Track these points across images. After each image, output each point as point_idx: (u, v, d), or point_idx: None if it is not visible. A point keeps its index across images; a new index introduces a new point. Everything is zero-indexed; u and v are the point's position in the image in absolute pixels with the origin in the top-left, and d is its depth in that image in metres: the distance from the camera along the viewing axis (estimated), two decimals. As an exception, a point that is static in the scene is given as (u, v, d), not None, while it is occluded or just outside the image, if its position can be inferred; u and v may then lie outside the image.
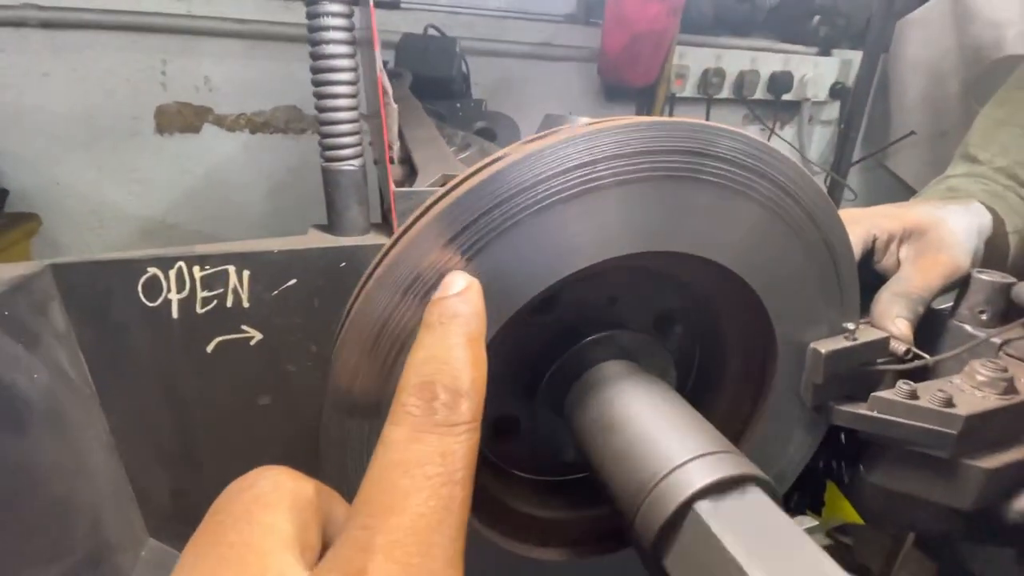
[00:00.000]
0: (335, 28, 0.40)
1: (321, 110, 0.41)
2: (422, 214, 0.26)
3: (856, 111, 1.61)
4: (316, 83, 0.40)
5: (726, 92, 1.46)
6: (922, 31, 1.63)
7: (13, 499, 0.31)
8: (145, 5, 0.98)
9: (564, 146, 0.26)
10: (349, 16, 0.40)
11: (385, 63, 0.94)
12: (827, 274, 0.31)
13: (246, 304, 0.41)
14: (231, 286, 0.40)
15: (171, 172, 1.10)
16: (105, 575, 0.39)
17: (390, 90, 0.46)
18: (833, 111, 1.70)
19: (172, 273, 0.38)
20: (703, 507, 0.21)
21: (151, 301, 0.39)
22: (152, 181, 1.09)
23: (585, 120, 0.64)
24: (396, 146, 0.52)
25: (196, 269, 0.39)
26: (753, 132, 1.63)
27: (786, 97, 1.54)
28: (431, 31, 0.98)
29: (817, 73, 1.57)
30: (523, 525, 0.34)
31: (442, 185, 0.46)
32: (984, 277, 0.39)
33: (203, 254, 0.39)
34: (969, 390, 0.33)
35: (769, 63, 1.50)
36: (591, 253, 0.26)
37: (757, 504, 0.21)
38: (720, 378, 0.36)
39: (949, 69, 1.59)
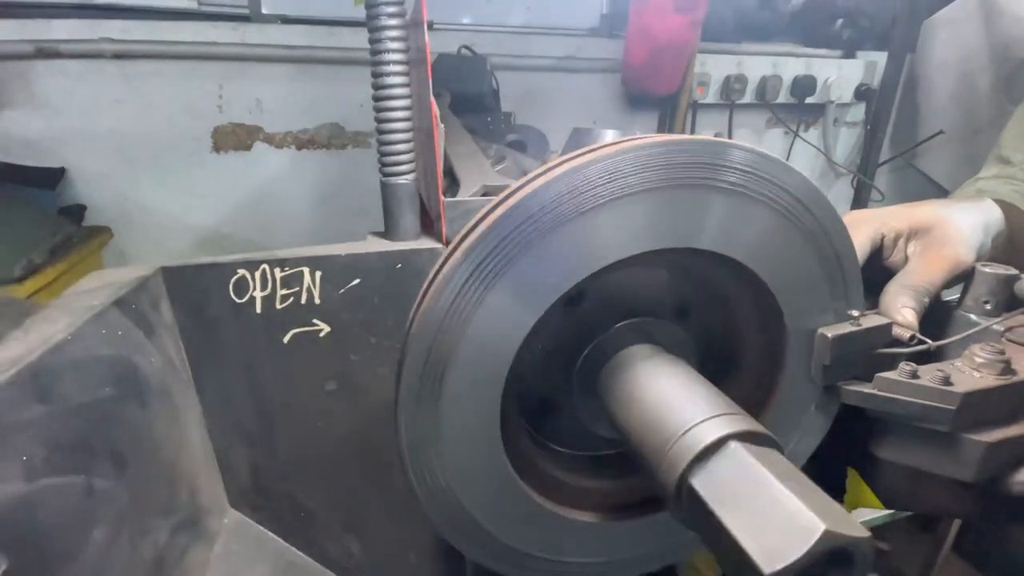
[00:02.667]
0: (394, 51, 0.45)
1: (380, 131, 0.47)
2: (479, 222, 0.31)
3: (882, 112, 1.61)
4: (377, 108, 0.46)
5: (748, 97, 1.48)
6: (949, 30, 1.62)
7: (139, 460, 0.37)
8: (205, 36, 1.07)
9: (592, 164, 0.31)
10: (405, 40, 0.45)
11: (422, 82, 1.00)
12: (828, 266, 0.35)
13: (317, 301, 0.47)
14: (305, 285, 0.46)
15: (225, 186, 1.19)
16: (200, 535, 0.46)
17: (438, 112, 0.52)
18: (859, 112, 1.70)
19: (257, 274, 0.45)
20: (697, 478, 0.25)
21: (239, 298, 0.45)
22: (208, 195, 1.18)
23: (611, 134, 0.69)
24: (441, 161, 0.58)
25: (277, 271, 0.45)
26: (776, 135, 1.64)
27: (810, 100, 1.55)
28: (464, 51, 1.04)
29: (841, 76, 1.58)
30: (561, 491, 0.38)
31: (483, 195, 0.51)
32: (987, 270, 0.42)
33: (283, 258, 0.45)
34: (968, 371, 0.36)
35: (791, 67, 1.51)
36: (619, 250, 0.31)
37: (764, 452, 0.26)
38: (738, 361, 0.40)
39: (978, 67, 1.57)
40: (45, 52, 1.03)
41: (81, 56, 1.05)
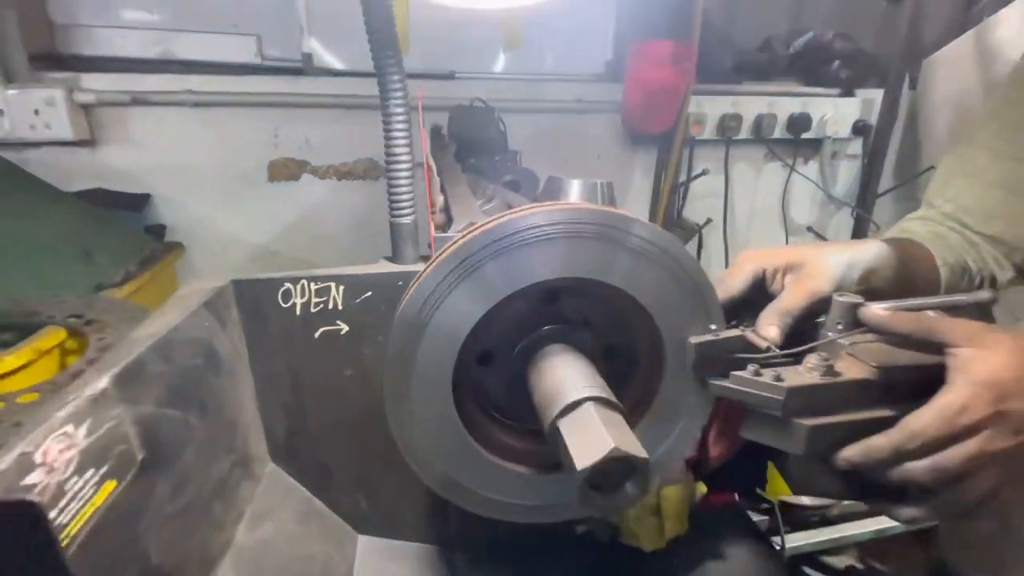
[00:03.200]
0: (398, 122, 0.61)
1: (389, 184, 0.63)
2: (440, 254, 0.46)
3: (879, 146, 1.68)
4: (387, 164, 0.62)
5: (744, 133, 1.59)
6: (947, 69, 1.69)
7: (214, 411, 0.54)
8: (265, 87, 1.28)
9: (522, 218, 0.45)
10: (407, 117, 0.61)
11: (439, 126, 1.18)
12: (695, 296, 0.48)
13: (340, 307, 0.63)
14: (332, 295, 0.62)
15: (276, 211, 1.40)
16: (248, 475, 0.62)
17: (435, 167, 0.68)
18: (858, 147, 1.78)
19: (298, 287, 0.61)
20: (561, 421, 0.39)
21: (284, 303, 0.62)
22: (263, 218, 1.39)
23: (576, 184, 0.85)
24: (440, 201, 0.74)
25: (312, 284, 0.61)
26: (775, 168, 1.74)
27: (806, 135, 1.65)
28: (477, 103, 1.21)
29: (837, 112, 1.67)
30: (503, 449, 0.52)
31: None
32: (840, 299, 0.53)
33: (317, 275, 0.61)
34: (800, 373, 0.48)
35: (787, 106, 1.62)
36: (541, 274, 0.45)
37: (606, 412, 0.39)
38: (634, 361, 0.53)
39: (974, 104, 1.64)
40: (138, 100, 1.27)
41: (166, 104, 1.28)
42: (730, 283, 0.58)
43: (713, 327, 0.49)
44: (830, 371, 0.48)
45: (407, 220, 0.63)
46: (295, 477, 0.69)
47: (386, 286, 0.63)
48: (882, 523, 1.56)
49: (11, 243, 0.95)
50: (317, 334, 0.63)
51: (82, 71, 1.23)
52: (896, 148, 1.76)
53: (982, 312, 0.54)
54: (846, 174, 1.82)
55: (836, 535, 1.49)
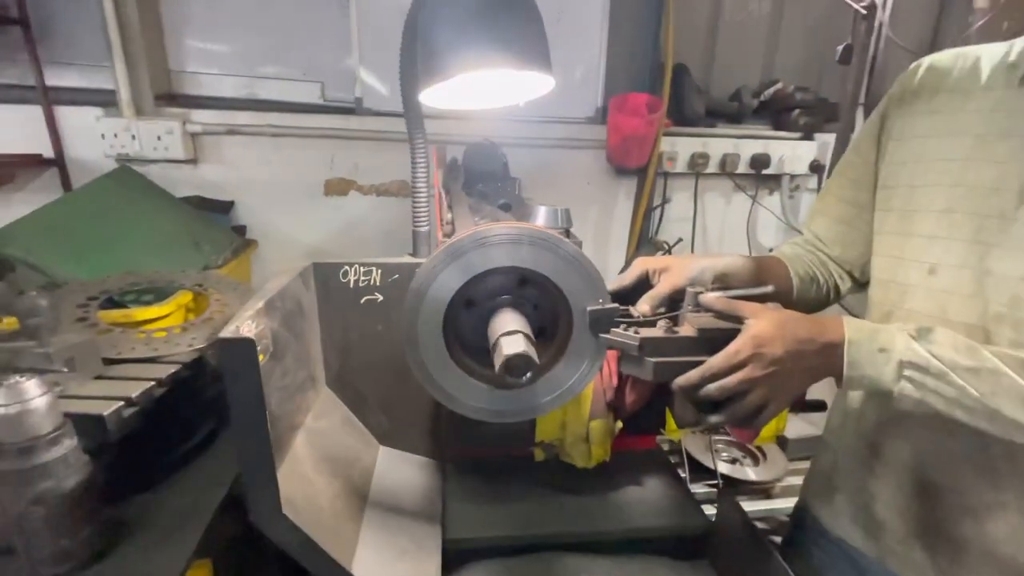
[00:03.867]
0: (420, 163, 0.94)
1: (414, 204, 0.96)
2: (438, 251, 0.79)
3: (833, 183, 1.95)
4: (413, 197, 0.96)
5: (712, 168, 1.88)
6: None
7: (300, 342, 0.87)
8: (326, 123, 1.64)
9: (491, 231, 0.78)
10: (427, 157, 0.94)
11: (456, 159, 1.51)
12: (589, 281, 0.79)
13: (378, 283, 0.96)
14: (373, 276, 0.96)
15: (328, 219, 1.75)
16: (314, 387, 0.95)
17: (444, 193, 1.01)
18: (814, 182, 2.05)
19: (352, 268, 0.95)
20: (500, 339, 0.71)
21: (343, 279, 0.95)
22: (317, 224, 1.75)
23: (543, 211, 1.20)
24: (448, 217, 1.07)
25: (361, 268, 0.95)
26: (741, 199, 2.01)
27: (767, 171, 1.93)
28: (485, 140, 1.55)
29: (795, 153, 1.95)
30: (474, 371, 0.84)
31: (463, 238, 0.99)
32: (690, 289, 0.83)
33: (364, 262, 0.95)
34: (652, 330, 0.79)
35: (751, 147, 1.90)
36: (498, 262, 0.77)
37: (519, 338, 0.71)
38: (557, 323, 0.84)
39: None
40: (232, 131, 1.64)
41: (252, 134, 1.65)
42: (623, 277, 0.88)
43: (600, 301, 0.80)
44: (670, 330, 0.78)
45: (424, 229, 0.97)
46: (341, 398, 1.02)
47: (409, 271, 0.96)
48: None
49: (147, 234, 1.32)
50: (362, 300, 0.96)
51: (192, 107, 1.61)
52: (853, 184, 2.02)
53: (773, 298, 0.84)
54: (807, 204, 2.09)
55: (778, 506, 1.75)
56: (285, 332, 0.76)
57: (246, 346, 0.57)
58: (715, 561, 0.90)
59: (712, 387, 0.71)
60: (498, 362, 0.68)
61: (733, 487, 1.70)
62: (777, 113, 1.96)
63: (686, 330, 0.80)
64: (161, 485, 0.77)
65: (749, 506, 1.71)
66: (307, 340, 0.89)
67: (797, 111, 1.93)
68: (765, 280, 0.98)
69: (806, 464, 1.92)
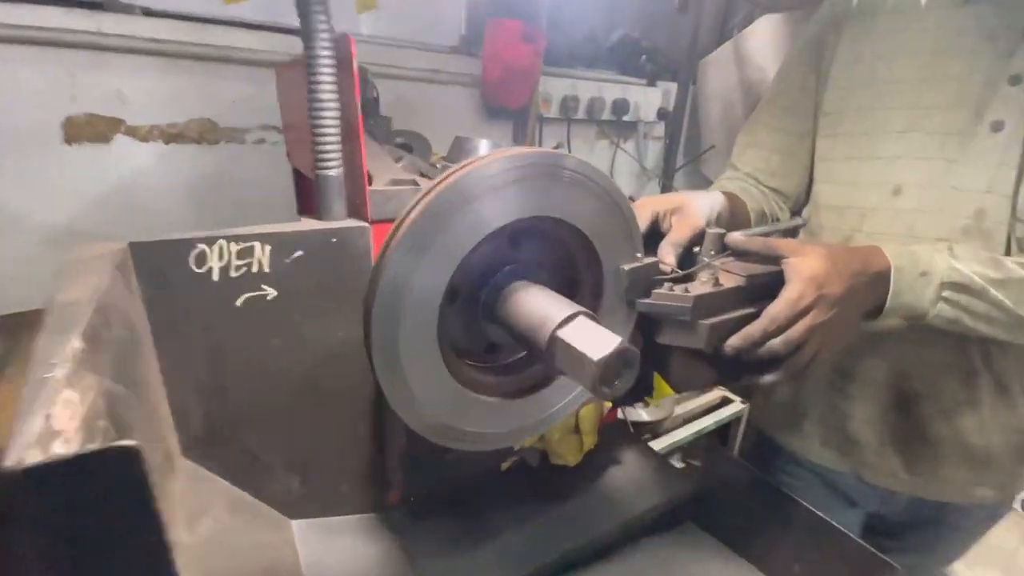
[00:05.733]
0: (324, 62, 0.55)
1: (314, 131, 0.58)
2: (415, 204, 0.46)
3: (675, 130, 2.05)
4: (311, 110, 0.57)
5: (581, 114, 1.78)
6: (715, 69, 2.13)
7: (144, 392, 0.44)
8: (53, 21, 0.99)
9: (488, 164, 0.48)
10: (333, 55, 0.57)
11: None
12: (624, 228, 0.56)
13: (267, 269, 0.56)
14: (256, 257, 0.56)
15: (79, 181, 1.11)
16: (171, 469, 0.53)
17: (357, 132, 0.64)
18: (661, 129, 2.14)
19: (215, 248, 0.53)
20: (561, 331, 0.44)
21: (198, 268, 0.53)
22: (60, 190, 1.09)
23: (485, 143, 0.89)
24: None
25: (232, 245, 0.54)
26: (604, 146, 1.99)
27: (626, 118, 1.92)
28: (345, 60, 1.13)
29: (646, 100, 1.98)
30: (473, 383, 0.55)
31: (395, 186, 0.65)
32: (710, 231, 0.68)
33: (237, 234, 0.54)
34: (697, 286, 0.61)
35: (612, 92, 1.86)
36: (507, 216, 0.48)
37: (582, 321, 0.45)
38: (578, 290, 0.60)
39: (735, 99, 2.10)
40: None
41: None
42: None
43: (639, 255, 0.58)
44: (717, 282, 0.62)
45: (334, 172, 0.59)
46: (212, 469, 0.61)
47: (318, 244, 0.59)
48: (697, 426, 1.97)
49: None
50: (239, 301, 0.56)
51: None
52: (685, 132, 2.16)
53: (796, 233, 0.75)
54: (655, 151, 2.17)
55: (669, 442, 1.85)
56: (124, 392, 0.36)
57: (114, 465, 0.21)
58: (705, 521, 0.87)
59: (777, 342, 0.61)
60: (586, 373, 0.42)
61: (638, 431, 1.73)
62: (626, 58, 1.95)
63: (729, 279, 0.64)
64: None
65: (655, 445, 1.77)
66: (151, 389, 0.48)
67: (644, 57, 1.94)
68: (735, 216, 0.90)
69: (694, 398, 2.04)
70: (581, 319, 0.45)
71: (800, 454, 1.01)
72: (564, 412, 0.60)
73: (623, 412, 1.62)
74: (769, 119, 1.02)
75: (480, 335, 0.55)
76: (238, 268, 0.55)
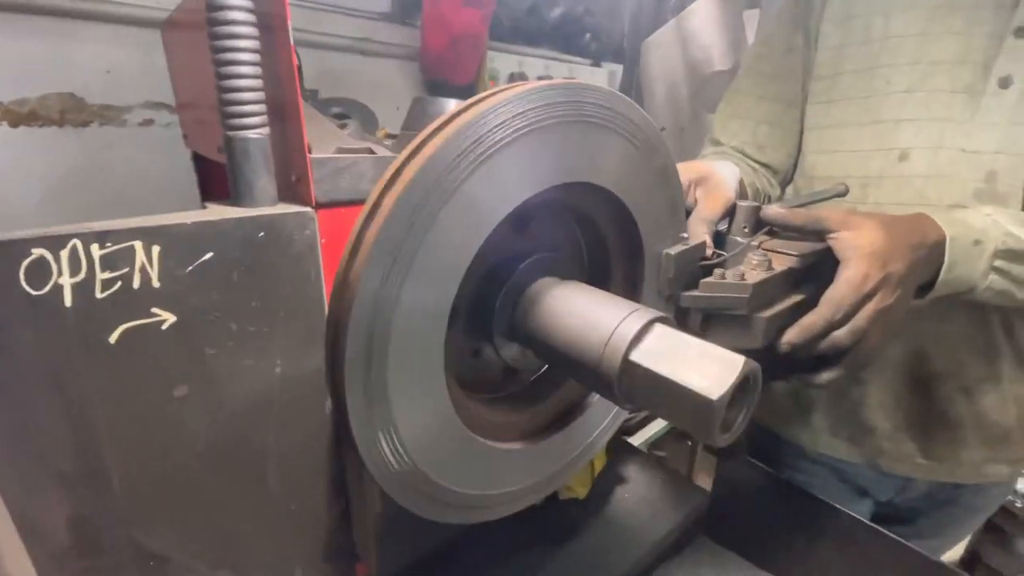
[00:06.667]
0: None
1: (221, 78, 0.39)
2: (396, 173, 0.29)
3: (624, 112, 1.97)
4: (215, 50, 0.38)
5: (529, 93, 1.65)
6: (658, 50, 2.07)
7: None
8: None
9: (502, 104, 0.32)
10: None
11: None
12: (672, 197, 0.43)
13: (156, 284, 0.37)
14: (138, 264, 0.36)
15: None
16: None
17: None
18: (606, 112, 2.05)
19: (64, 254, 0.33)
20: (638, 354, 0.29)
21: (37, 288, 0.33)
22: None
23: (452, 103, 0.71)
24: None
25: (95, 248, 0.34)
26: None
27: (574, 99, 1.81)
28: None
29: (592, 80, 1.88)
30: (487, 427, 0.39)
31: (342, 155, 0.47)
32: (743, 204, 0.56)
33: (103, 230, 0.34)
34: (749, 271, 0.49)
35: (559, 70, 1.74)
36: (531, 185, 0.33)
37: (666, 332, 0.31)
38: (608, 283, 0.46)
39: (680, 80, 2.05)
40: None
41: None
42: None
43: (684, 235, 0.45)
44: (770, 265, 0.50)
45: (259, 133, 0.41)
46: (94, 588, 0.40)
47: (238, 241, 0.40)
48: (660, 424, 1.91)
49: None
50: (114, 337, 0.37)
51: None
52: (631, 115, 2.09)
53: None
54: (602, 136, 2.08)
55: (640, 440, 1.77)
56: None
57: None
58: (720, 534, 0.77)
59: (842, 333, 0.52)
60: (700, 417, 0.28)
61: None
62: (570, 37, 1.84)
63: (778, 261, 0.53)
64: None
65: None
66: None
67: (588, 35, 1.84)
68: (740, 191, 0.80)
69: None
70: (660, 329, 0.31)
71: (808, 447, 0.93)
72: (604, 438, 0.46)
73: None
74: (752, 87, 0.93)
75: (493, 358, 0.39)
76: (107, 284, 0.35)
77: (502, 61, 1.54)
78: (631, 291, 0.45)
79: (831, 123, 0.83)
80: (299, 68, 0.95)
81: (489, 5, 1.22)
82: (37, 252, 0.32)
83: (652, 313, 0.32)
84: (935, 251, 0.56)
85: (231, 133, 0.40)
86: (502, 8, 1.54)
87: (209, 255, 0.38)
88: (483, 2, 1.20)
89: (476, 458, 0.37)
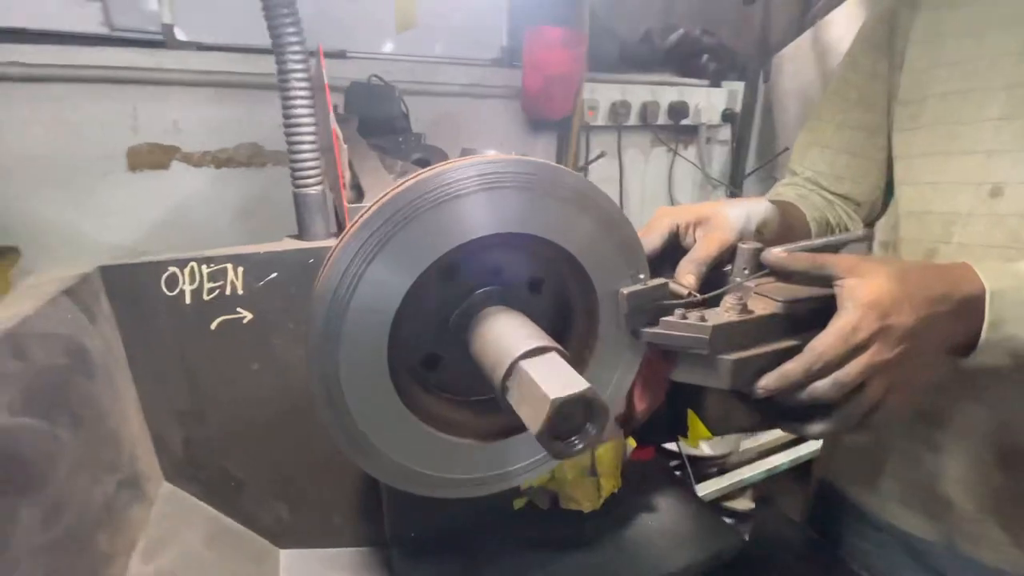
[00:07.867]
0: (297, 79, 0.54)
1: (291, 149, 0.57)
2: (359, 216, 0.42)
3: (744, 132, 1.89)
4: (286, 126, 0.56)
5: (633, 120, 1.69)
6: (792, 64, 1.93)
7: (89, 423, 0.44)
8: (116, 61, 1.10)
9: (445, 172, 0.43)
10: (307, 71, 0.55)
11: (336, 106, 1.09)
12: (621, 240, 0.49)
13: (240, 292, 0.55)
14: (229, 279, 0.55)
15: (140, 206, 1.21)
16: (139, 496, 0.52)
17: (340, 133, 0.63)
18: (727, 133, 1.98)
19: (186, 271, 0.53)
20: (525, 362, 0.38)
21: (170, 291, 0.53)
22: (124, 214, 1.19)
23: (492, 153, 0.84)
24: (348, 175, 0.68)
25: (204, 267, 0.53)
26: (660, 152, 1.87)
27: (684, 122, 1.79)
28: (374, 79, 1.15)
29: (708, 102, 1.84)
30: (445, 423, 0.49)
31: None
32: (744, 246, 0.58)
33: (209, 256, 0.53)
34: (720, 313, 0.51)
35: (667, 95, 1.75)
36: (479, 229, 0.43)
37: (554, 359, 0.38)
38: (573, 318, 0.53)
39: (815, 95, 1.89)
40: (-55, 74, 1.02)
41: (-13, 78, 1.04)
42: (649, 239, 0.60)
43: (642, 276, 0.50)
44: (744, 309, 0.51)
45: (314, 190, 0.57)
46: (198, 495, 0.60)
47: (294, 265, 0.57)
48: (769, 464, 1.76)
49: None
50: (214, 325, 0.55)
51: None
52: (757, 134, 1.98)
53: (862, 247, 0.62)
54: (719, 157, 2.01)
55: (735, 479, 1.66)
56: (37, 424, 0.34)
57: None
58: None
59: (823, 385, 0.50)
60: (536, 418, 0.35)
61: (695, 466, 1.57)
62: (685, 59, 1.83)
63: (761, 306, 0.53)
64: None
65: (713, 485, 1.61)
66: (107, 415, 0.47)
67: (706, 56, 1.81)
68: (790, 228, 0.77)
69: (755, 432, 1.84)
70: (553, 356, 0.39)
71: (876, 514, 0.84)
72: (551, 461, 0.53)
73: (678, 446, 1.48)
74: (835, 114, 0.88)
75: (453, 367, 0.50)
76: (211, 291, 0.54)
77: (602, 92, 1.61)
78: (589, 322, 0.52)
79: (915, 152, 0.76)
80: (406, 116, 1.16)
81: (581, 47, 1.32)
82: (171, 269, 0.52)
83: (551, 344, 0.39)
84: (966, 306, 0.51)
85: (296, 189, 0.57)
86: (609, 41, 1.62)
87: (275, 274, 0.56)
88: (576, 44, 1.30)
89: (432, 446, 0.47)
